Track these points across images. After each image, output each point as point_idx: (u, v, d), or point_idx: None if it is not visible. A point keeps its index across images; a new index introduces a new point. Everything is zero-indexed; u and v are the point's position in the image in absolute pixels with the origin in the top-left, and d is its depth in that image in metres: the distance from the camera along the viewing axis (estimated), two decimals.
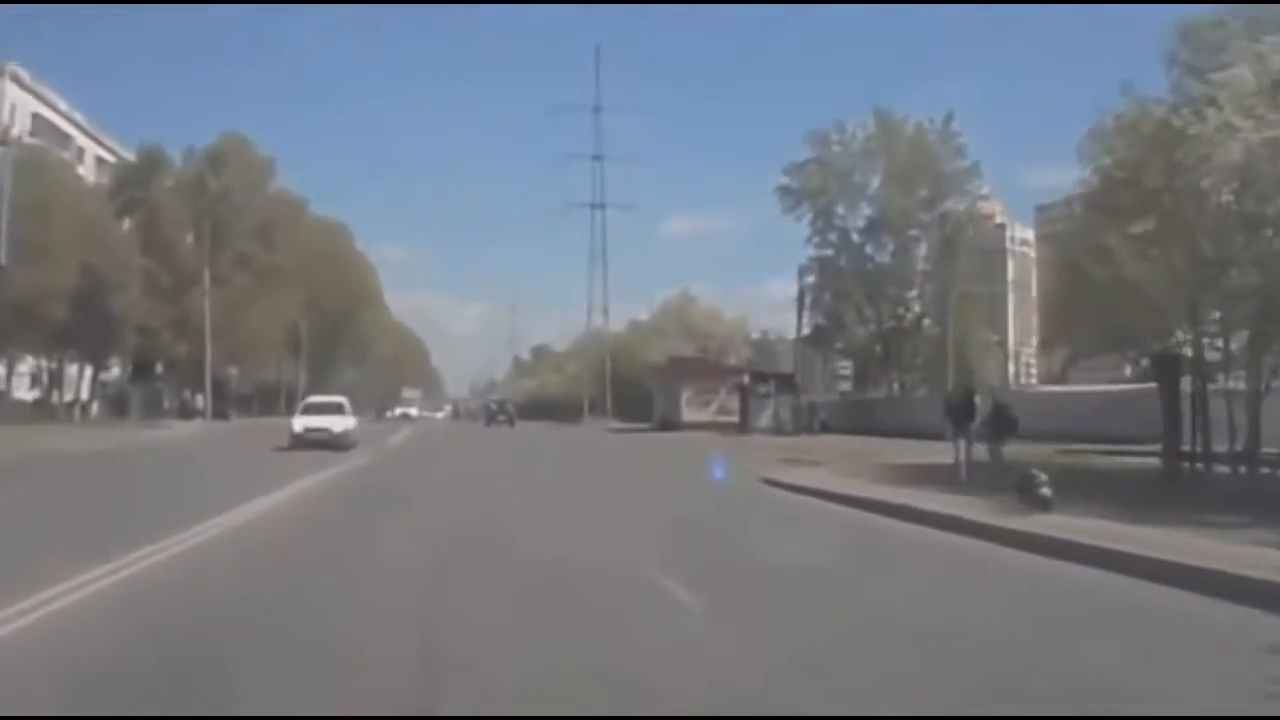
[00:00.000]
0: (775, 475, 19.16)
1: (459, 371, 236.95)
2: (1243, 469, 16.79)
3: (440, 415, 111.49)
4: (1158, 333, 17.45)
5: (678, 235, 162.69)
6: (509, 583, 8.47)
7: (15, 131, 51.05)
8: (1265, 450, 17.02)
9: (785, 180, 63.01)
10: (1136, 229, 16.31)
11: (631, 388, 73.79)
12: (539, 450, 36.87)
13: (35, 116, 68.71)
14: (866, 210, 63.08)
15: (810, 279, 63.43)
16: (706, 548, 10.68)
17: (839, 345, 64.00)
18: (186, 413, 64.26)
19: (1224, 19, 17.85)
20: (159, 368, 64.12)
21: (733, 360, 69.90)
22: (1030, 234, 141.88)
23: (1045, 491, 11.80)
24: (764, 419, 49.65)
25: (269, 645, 6.16)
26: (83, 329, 51.28)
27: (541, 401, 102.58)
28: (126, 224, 63.54)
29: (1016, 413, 19.53)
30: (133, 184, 67.01)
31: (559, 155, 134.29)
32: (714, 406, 53.75)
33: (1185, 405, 18.03)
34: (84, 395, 60.97)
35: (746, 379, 52.71)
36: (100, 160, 76.06)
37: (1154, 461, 19.67)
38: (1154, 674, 5.87)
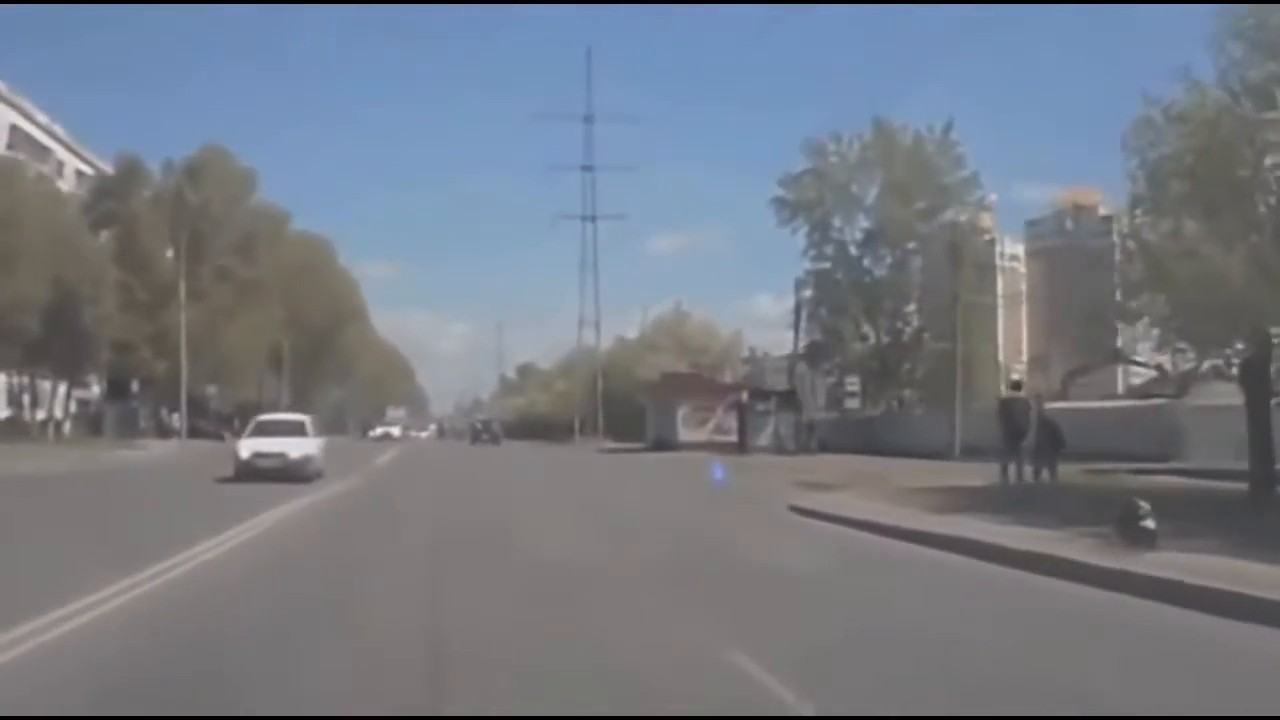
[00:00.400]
0: (802, 502, 17.33)
1: (444, 391, 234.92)
2: None
3: (425, 435, 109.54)
4: (1250, 336, 15.80)
5: (662, 252, 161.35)
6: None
7: None
8: None
9: (780, 192, 61.48)
10: (1215, 221, 14.72)
11: (624, 406, 72.05)
12: (532, 478, 30.94)
13: (13, 129, 67.37)
14: (864, 222, 61.49)
15: (806, 293, 61.77)
16: (775, 609, 8.42)
17: (836, 360, 62.27)
18: (163, 432, 62.14)
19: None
20: (135, 385, 62.10)
21: (729, 377, 68.07)
22: (1020, 249, 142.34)
23: (1149, 524, 10.05)
24: (763, 438, 47.93)
25: None
26: (55, 343, 49.45)
27: (529, 420, 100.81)
28: (104, 237, 61.73)
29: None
30: (110, 196, 65.34)
31: (547, 167, 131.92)
32: (711, 425, 51.85)
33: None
34: (58, 413, 58.92)
35: (745, 396, 50.94)
36: (80, 173, 74.47)
37: (1210, 484, 18.16)
38: None
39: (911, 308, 61.24)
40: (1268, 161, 14.46)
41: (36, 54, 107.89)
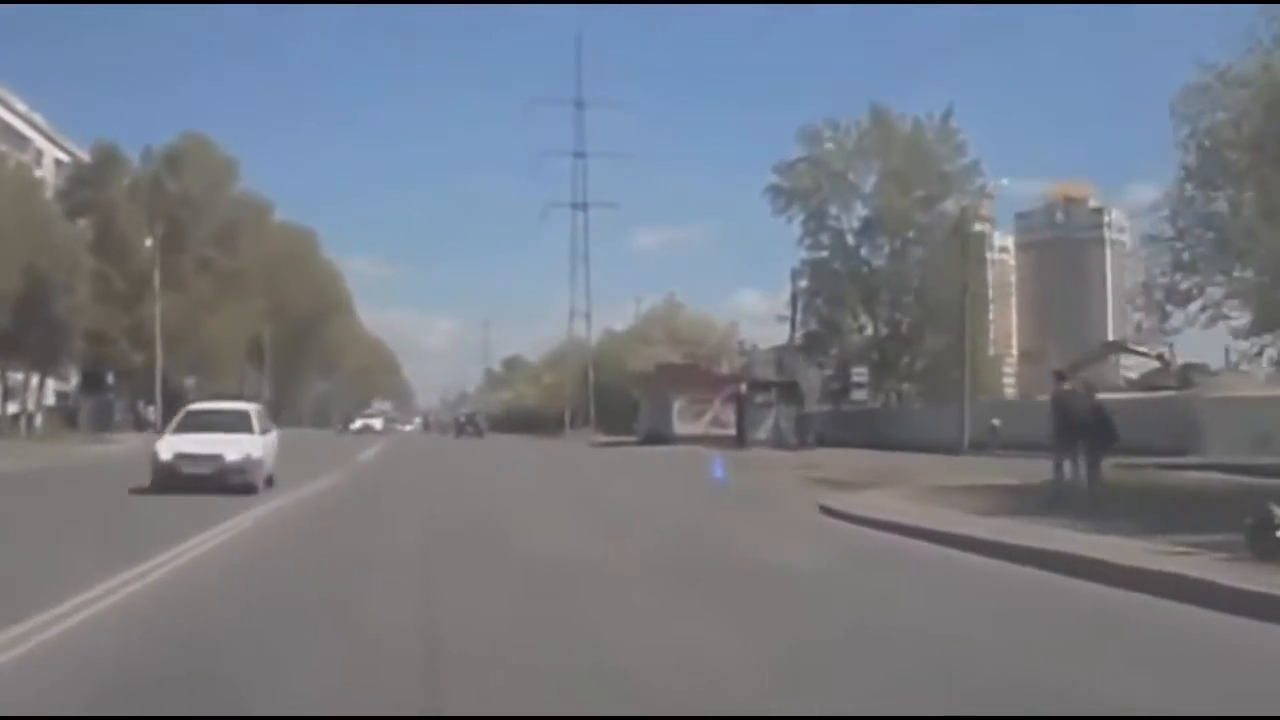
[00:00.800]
0: (835, 504, 15.69)
1: (431, 385, 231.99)
2: None
3: (409, 428, 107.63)
4: None
5: (647, 247, 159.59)
6: None
7: None
8: None
9: (775, 179, 60.06)
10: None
11: (615, 398, 70.51)
12: (525, 476, 27.71)
13: None
14: (861, 211, 60.16)
15: (802, 283, 60.26)
16: (858, 652, 6.72)
17: (833, 352, 60.80)
18: (140, 425, 60.28)
19: None
20: (110, 378, 60.28)
21: (725, 369, 66.42)
22: (1010, 241, 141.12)
23: None
24: (762, 431, 46.41)
25: None
26: (27, 335, 47.66)
27: (517, 414, 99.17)
28: (81, 226, 59.93)
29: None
30: (87, 184, 63.53)
31: (537, 153, 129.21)
32: (708, 418, 50.18)
33: None
34: (31, 406, 57.12)
35: (744, 388, 49.34)
36: (60, 163, 72.68)
37: (1255, 480, 16.86)
38: None
39: (910, 299, 59.71)
40: None
41: (36, 53, 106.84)
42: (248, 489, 18.35)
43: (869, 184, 59.74)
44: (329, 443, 50.63)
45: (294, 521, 14.87)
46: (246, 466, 19.08)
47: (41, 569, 9.37)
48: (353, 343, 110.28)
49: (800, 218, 59.84)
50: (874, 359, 59.28)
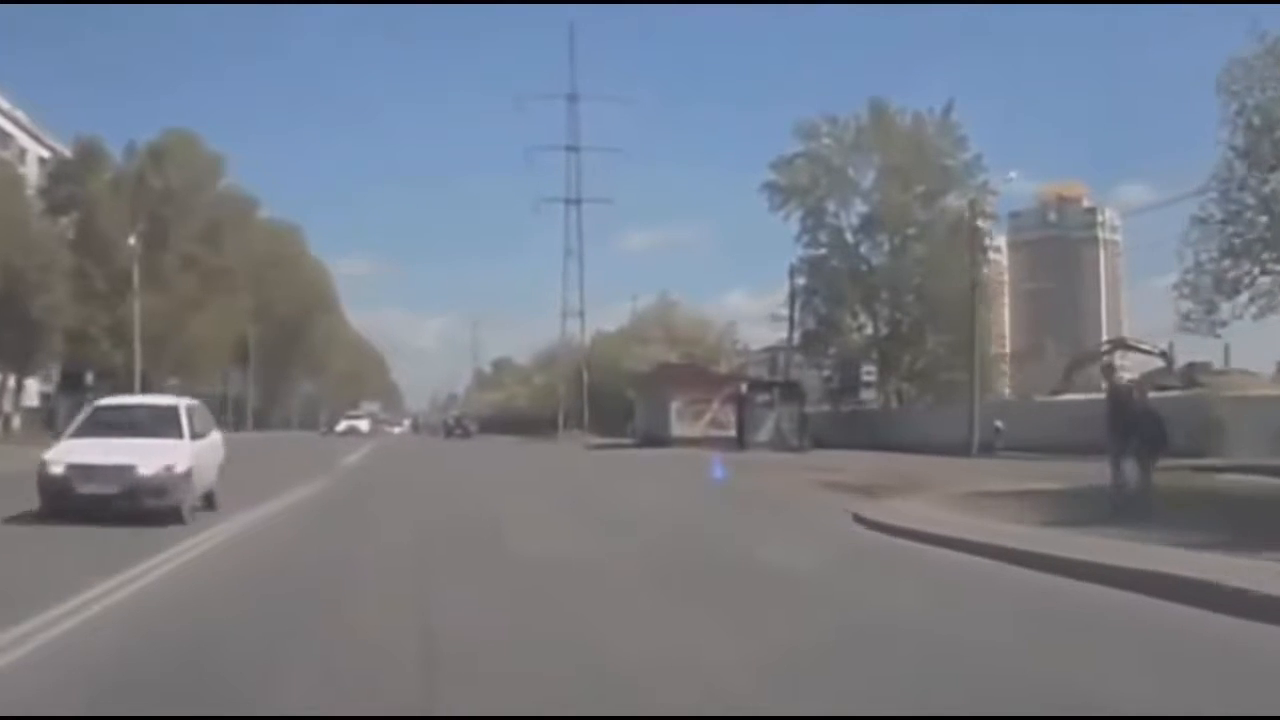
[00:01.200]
0: (869, 513, 14.29)
1: (420, 386, 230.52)
2: None
3: (398, 430, 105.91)
4: None
5: (635, 249, 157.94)
6: None
7: None
8: None
9: (772, 176, 58.84)
10: None
11: (609, 400, 69.16)
12: (522, 482, 25.45)
13: None
14: (860, 207, 58.99)
15: (800, 281, 58.97)
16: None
17: (832, 351, 59.54)
18: None
19: None
20: (90, 378, 58.69)
21: (724, 368, 65.00)
22: (1001, 240, 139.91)
23: None
24: (763, 433, 45.09)
25: None
26: (2, 334, 46.17)
27: (508, 415, 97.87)
28: (63, 224, 58.46)
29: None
30: (69, 180, 61.90)
31: (530, 147, 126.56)
32: (707, 419, 48.70)
33: None
34: (7, 407, 55.57)
35: (744, 388, 47.94)
36: (43, 160, 70.84)
37: None
38: None
39: (911, 297, 58.41)
40: None
41: (20, 51, 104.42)
42: (170, 515, 13.52)
43: (868, 180, 58.74)
44: (310, 446, 48.53)
45: (220, 587, 9.36)
46: (168, 484, 13.82)
47: None
48: (341, 343, 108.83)
49: (798, 215, 58.88)
50: (873, 359, 58.11)
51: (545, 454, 47.49)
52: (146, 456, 13.91)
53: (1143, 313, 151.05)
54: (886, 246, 58.62)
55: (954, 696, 5.61)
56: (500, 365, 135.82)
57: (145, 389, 55.93)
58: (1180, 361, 46.31)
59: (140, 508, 13.44)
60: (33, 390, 61.12)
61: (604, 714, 5.26)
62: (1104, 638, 7.33)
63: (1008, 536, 11.46)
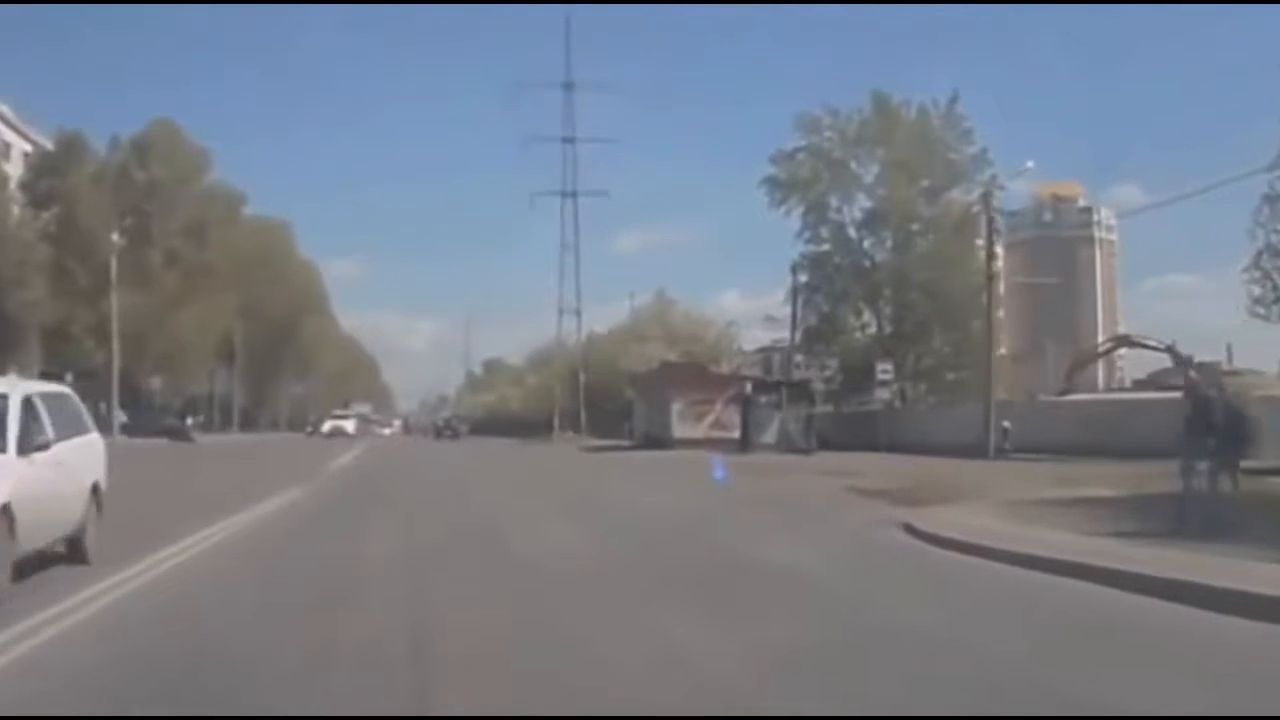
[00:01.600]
0: (923, 524, 12.61)
1: (411, 387, 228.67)
2: None
3: (388, 431, 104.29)
4: None
5: (627, 250, 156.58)
6: None
7: None
8: None
9: (772, 170, 57.29)
10: None
11: (605, 400, 67.54)
12: (520, 491, 23.26)
13: None
14: (864, 202, 57.42)
15: (802, 278, 57.40)
16: None
17: (834, 349, 57.96)
18: (101, 428, 57.01)
19: None
20: (69, 377, 56.98)
21: (725, 367, 63.28)
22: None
23: None
24: (768, 434, 43.43)
25: None
26: None
27: (501, 417, 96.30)
28: (44, 219, 56.77)
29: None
30: (51, 174, 60.23)
31: (525, 138, 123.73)
32: (709, 420, 46.91)
33: None
34: None
35: (749, 388, 46.27)
36: (28, 155, 69.20)
37: None
38: None
39: (916, 294, 56.87)
40: None
41: (4, 46, 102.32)
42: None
43: (871, 174, 57.11)
44: (290, 449, 46.38)
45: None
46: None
47: None
48: (330, 344, 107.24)
49: (799, 210, 57.16)
50: (887, 356, 56.49)
51: (539, 457, 45.54)
52: None
53: (1141, 313, 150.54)
54: (890, 242, 57.06)
55: None
56: (491, 366, 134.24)
57: (126, 388, 54.28)
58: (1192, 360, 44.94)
59: None
60: None
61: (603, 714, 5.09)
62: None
63: (1092, 553, 9.77)
